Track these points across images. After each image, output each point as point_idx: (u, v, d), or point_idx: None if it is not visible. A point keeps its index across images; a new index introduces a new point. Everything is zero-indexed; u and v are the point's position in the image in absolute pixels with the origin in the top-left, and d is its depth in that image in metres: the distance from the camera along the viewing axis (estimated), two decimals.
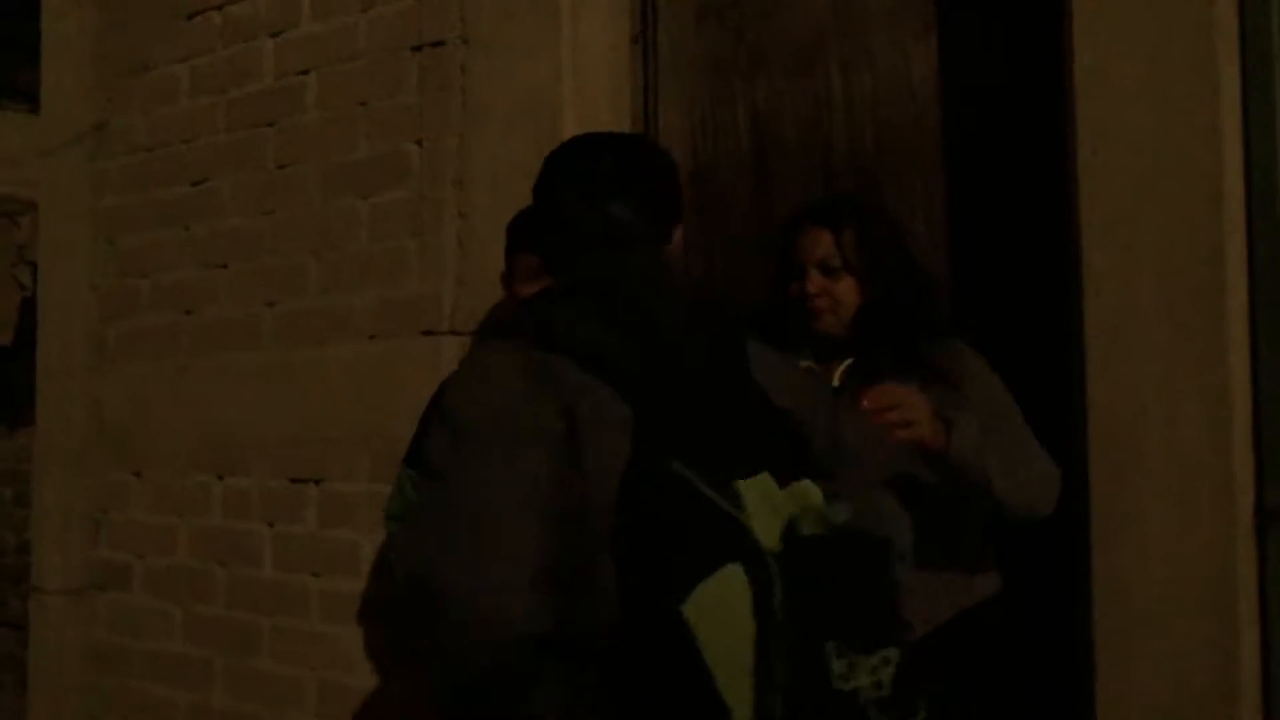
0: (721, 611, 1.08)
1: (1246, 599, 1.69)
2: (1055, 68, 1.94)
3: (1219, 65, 1.73)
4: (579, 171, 1.40)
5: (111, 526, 3.35)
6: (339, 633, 2.76)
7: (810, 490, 1.17)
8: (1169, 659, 1.71)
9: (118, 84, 3.39)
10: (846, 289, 1.82)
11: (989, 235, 2.17)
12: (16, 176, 5.95)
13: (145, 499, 3.25)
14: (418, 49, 2.70)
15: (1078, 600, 1.84)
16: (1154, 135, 1.77)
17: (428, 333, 2.64)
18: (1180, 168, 1.75)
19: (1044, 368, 1.95)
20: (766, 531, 1.12)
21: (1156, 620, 1.73)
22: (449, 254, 2.62)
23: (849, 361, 1.86)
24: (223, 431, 3.06)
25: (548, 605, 1.14)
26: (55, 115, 3.57)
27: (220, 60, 3.12)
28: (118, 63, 3.39)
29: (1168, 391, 1.74)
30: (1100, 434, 1.80)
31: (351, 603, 2.74)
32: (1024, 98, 2.12)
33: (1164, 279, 1.75)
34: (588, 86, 2.53)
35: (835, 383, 1.86)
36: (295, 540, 2.88)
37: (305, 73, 2.92)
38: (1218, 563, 1.69)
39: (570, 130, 2.48)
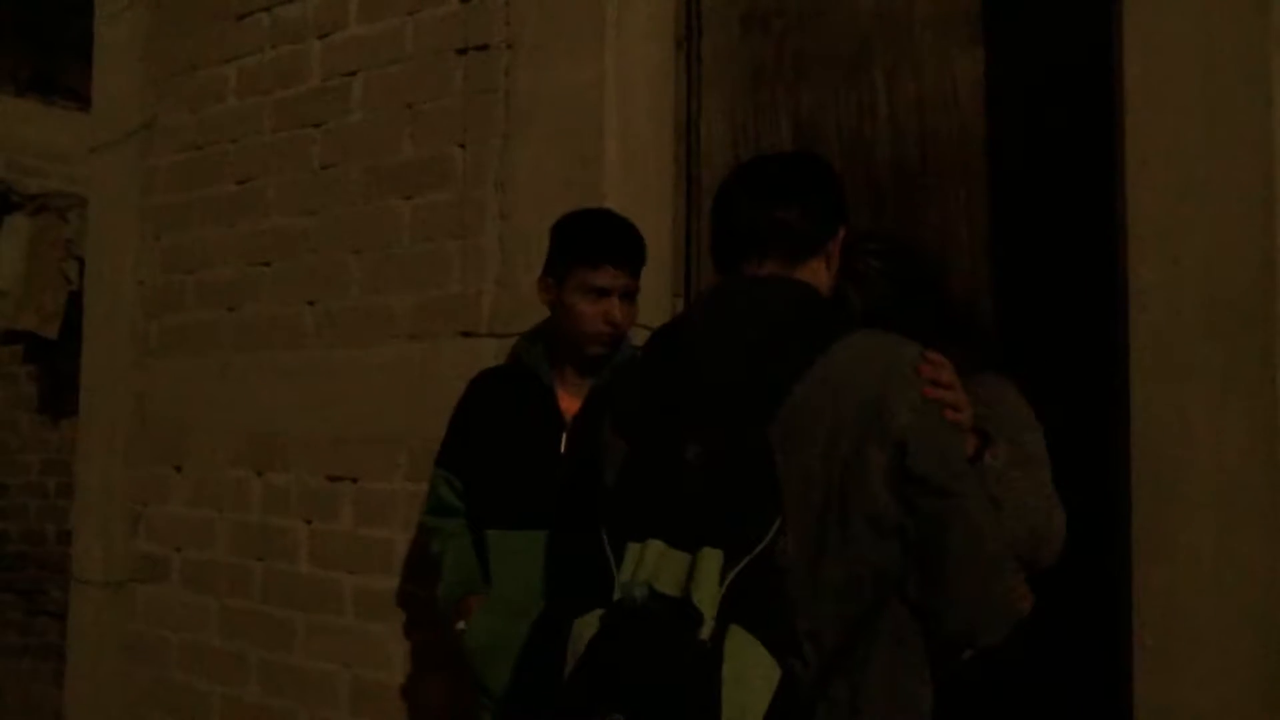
0: (578, 640, 1.32)
1: None
2: (1104, 78, 1.92)
3: (1273, 76, 1.70)
4: (749, 180, 1.55)
5: (151, 519, 3.40)
6: (373, 629, 2.78)
7: (663, 555, 1.30)
8: (1213, 677, 1.69)
9: (167, 83, 3.44)
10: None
11: (1034, 246, 2.15)
12: (67, 173, 6.07)
13: (185, 493, 3.30)
14: (463, 52, 2.72)
15: (1118, 617, 1.82)
16: (1205, 147, 1.74)
17: (467, 334, 2.66)
18: (1231, 181, 1.72)
19: (1087, 381, 1.93)
20: (666, 584, 1.28)
21: (1200, 639, 1.70)
22: (489, 256, 2.63)
23: None
24: (262, 428, 3.09)
25: None
26: (106, 113, 3.63)
27: (268, 61, 3.16)
28: (167, 62, 3.44)
29: (1214, 409, 1.71)
30: (1144, 451, 1.77)
31: (386, 600, 2.76)
32: (1071, 108, 2.10)
33: (1212, 294, 1.72)
34: (630, 92, 2.54)
35: None
36: (332, 537, 2.90)
37: (351, 74, 2.95)
38: (1263, 582, 1.67)
39: (612, 135, 2.50)
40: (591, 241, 2.01)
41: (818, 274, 1.51)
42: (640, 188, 2.54)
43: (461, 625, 2.05)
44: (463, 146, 2.71)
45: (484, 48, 2.69)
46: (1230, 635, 1.68)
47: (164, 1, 3.47)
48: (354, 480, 2.87)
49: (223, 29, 3.29)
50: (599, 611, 1.30)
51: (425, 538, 2.29)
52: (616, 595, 1.30)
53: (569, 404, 2.04)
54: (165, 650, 3.30)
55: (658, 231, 2.57)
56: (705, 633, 1.22)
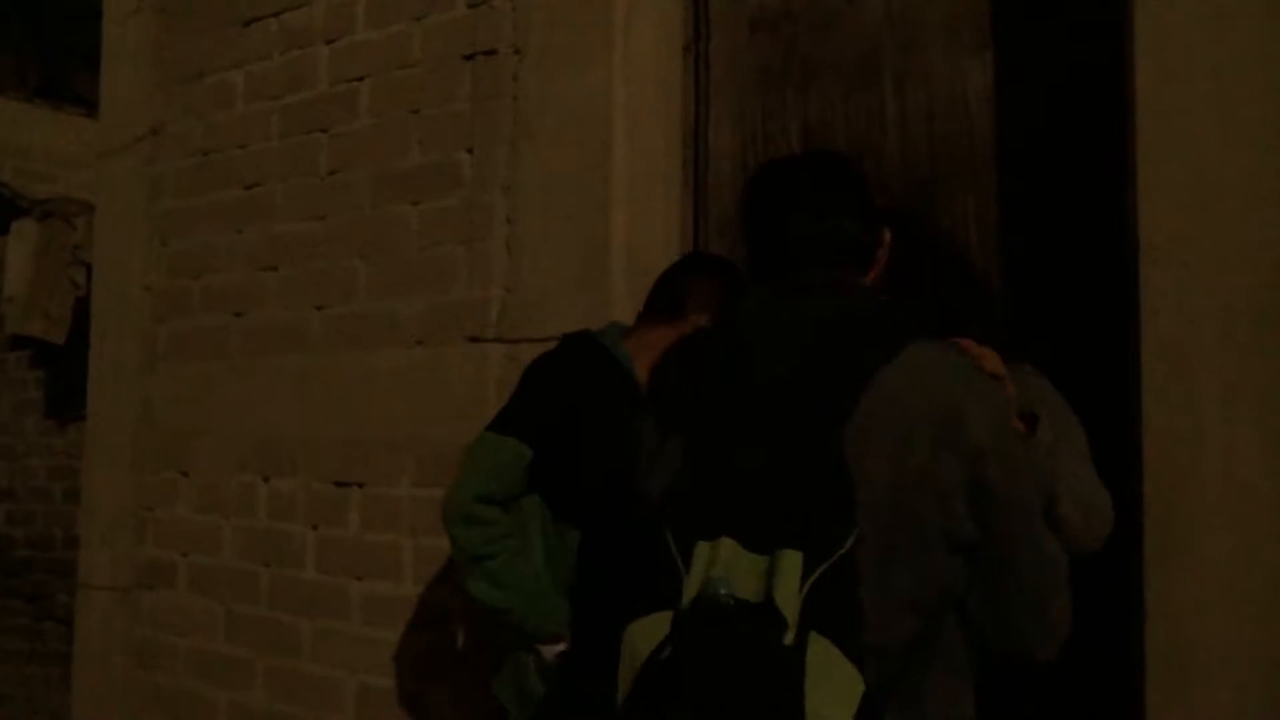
0: (637, 646, 1.24)
1: None
2: (1115, 83, 1.91)
3: None
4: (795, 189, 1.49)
5: (158, 525, 3.39)
6: (379, 636, 2.78)
7: (737, 555, 1.22)
8: (1225, 689, 1.67)
9: (175, 89, 3.45)
10: None
11: (1044, 252, 2.13)
12: (74, 178, 6.09)
13: (191, 498, 3.30)
14: (470, 58, 2.72)
15: (1129, 625, 1.81)
16: (1217, 151, 1.73)
17: (474, 339, 2.65)
18: (1244, 185, 1.71)
19: (1099, 388, 1.92)
20: (742, 587, 1.20)
21: (1213, 648, 1.68)
22: (497, 261, 2.63)
23: None
24: (269, 433, 3.09)
25: None
26: (114, 119, 3.64)
27: (276, 67, 3.17)
28: (175, 68, 3.45)
29: (1226, 417, 1.70)
30: (1155, 457, 1.76)
31: (392, 606, 2.75)
32: (1082, 113, 2.09)
33: (1225, 300, 1.71)
34: (638, 97, 2.54)
35: None
36: (338, 543, 2.90)
37: (359, 80, 2.95)
38: (1276, 592, 1.65)
39: (620, 140, 2.49)
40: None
41: (874, 278, 1.50)
42: (648, 192, 2.53)
43: (561, 647, 1.91)
44: (470, 152, 2.71)
45: (492, 53, 2.69)
46: (1244, 646, 1.66)
47: (171, 7, 3.48)
48: (360, 486, 2.86)
49: (230, 35, 3.29)
50: (661, 615, 1.22)
51: (456, 526, 1.91)
52: (691, 593, 1.21)
53: None
54: (172, 656, 3.30)
55: (665, 236, 2.57)
56: (789, 638, 1.14)
